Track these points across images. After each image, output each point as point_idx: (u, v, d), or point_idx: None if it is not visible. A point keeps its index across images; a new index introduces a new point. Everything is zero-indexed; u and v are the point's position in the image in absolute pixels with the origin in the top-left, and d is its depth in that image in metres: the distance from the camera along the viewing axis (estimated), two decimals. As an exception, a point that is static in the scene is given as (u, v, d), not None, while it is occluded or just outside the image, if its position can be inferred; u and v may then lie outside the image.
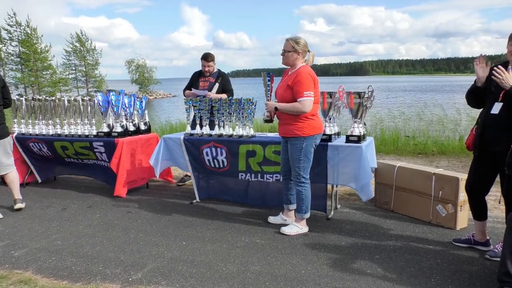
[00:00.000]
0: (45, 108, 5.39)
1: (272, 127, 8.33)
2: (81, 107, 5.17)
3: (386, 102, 21.84)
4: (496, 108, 2.82)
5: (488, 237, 3.18)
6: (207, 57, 5.16)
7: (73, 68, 44.43)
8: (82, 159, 5.18)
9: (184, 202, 4.66)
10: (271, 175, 4.15)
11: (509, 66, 2.81)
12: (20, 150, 5.41)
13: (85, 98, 5.29)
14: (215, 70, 5.28)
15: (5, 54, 37.30)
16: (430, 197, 3.78)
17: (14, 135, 5.35)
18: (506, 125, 2.77)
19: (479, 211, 3.12)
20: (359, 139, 3.79)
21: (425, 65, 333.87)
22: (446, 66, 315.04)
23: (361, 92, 3.77)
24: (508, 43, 2.78)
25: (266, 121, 3.66)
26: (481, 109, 3.03)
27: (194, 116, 4.59)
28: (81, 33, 44.45)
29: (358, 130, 3.84)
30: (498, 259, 2.61)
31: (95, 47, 44.83)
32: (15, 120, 5.51)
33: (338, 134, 4.15)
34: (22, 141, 5.34)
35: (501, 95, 2.80)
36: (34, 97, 5.54)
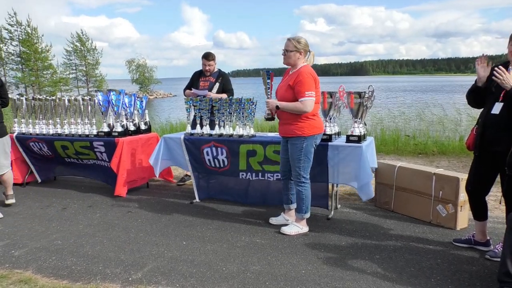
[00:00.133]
0: (45, 108, 5.38)
1: (272, 127, 8.33)
2: (82, 106, 5.18)
3: (386, 102, 21.83)
4: (497, 108, 2.81)
5: (488, 237, 3.18)
6: (208, 56, 5.16)
7: (74, 68, 44.46)
8: (82, 159, 5.18)
9: (184, 201, 4.66)
10: (272, 174, 4.16)
11: (510, 67, 2.81)
12: (20, 149, 5.42)
13: (86, 97, 5.29)
14: (216, 69, 5.28)
15: (6, 53, 37.35)
16: (430, 197, 3.77)
17: (15, 134, 5.36)
18: (506, 125, 2.76)
19: (480, 211, 3.12)
20: (360, 139, 3.79)
21: (425, 65, 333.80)
22: (446, 66, 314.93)
23: (362, 92, 3.77)
24: (508, 43, 2.78)
25: (267, 119, 3.63)
26: (482, 109, 3.03)
27: (195, 116, 4.59)
28: (82, 32, 44.58)
29: (358, 130, 3.84)
30: (499, 259, 2.60)
31: (95, 46, 44.90)
32: (16, 119, 5.51)
33: (339, 134, 4.15)
34: (23, 140, 5.34)
35: (501, 95, 2.80)
36: (35, 96, 5.55)
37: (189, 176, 4.97)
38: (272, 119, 3.61)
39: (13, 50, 37.72)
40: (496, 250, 2.98)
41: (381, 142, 7.40)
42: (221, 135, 4.35)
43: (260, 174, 4.21)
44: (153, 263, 3.05)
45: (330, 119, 4.00)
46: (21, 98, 5.52)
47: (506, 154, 2.67)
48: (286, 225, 3.69)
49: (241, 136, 4.24)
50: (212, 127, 4.53)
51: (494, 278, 2.62)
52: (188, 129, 4.56)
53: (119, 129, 4.89)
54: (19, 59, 37.88)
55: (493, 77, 2.75)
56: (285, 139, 3.61)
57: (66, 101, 5.29)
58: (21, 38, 37.28)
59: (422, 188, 3.84)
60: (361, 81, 74.50)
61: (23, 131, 5.42)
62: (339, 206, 4.35)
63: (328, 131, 3.90)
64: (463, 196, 3.51)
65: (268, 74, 3.64)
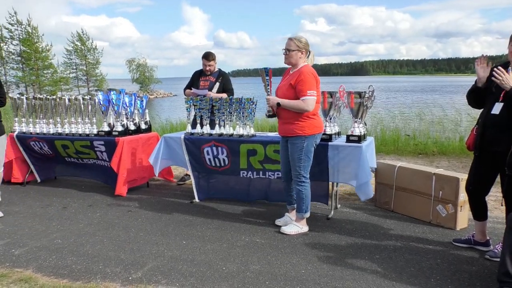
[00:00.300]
0: (45, 107, 5.39)
1: (272, 127, 8.33)
2: (82, 106, 5.18)
3: (387, 103, 21.84)
4: (497, 108, 2.82)
5: (488, 238, 3.18)
6: (208, 56, 5.16)
7: (74, 67, 44.48)
8: (83, 158, 5.18)
9: (184, 201, 4.66)
10: (273, 172, 4.17)
11: (510, 67, 2.81)
12: (21, 148, 5.42)
13: (86, 97, 5.29)
14: (216, 69, 5.28)
15: (6, 53, 37.38)
16: (430, 197, 3.78)
17: (15, 133, 5.36)
18: (506, 125, 2.77)
19: (479, 211, 3.12)
20: (360, 139, 3.79)
21: (425, 65, 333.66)
22: (447, 66, 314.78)
23: (362, 92, 3.77)
24: (509, 44, 2.79)
25: (269, 116, 3.60)
26: (482, 110, 3.03)
27: (195, 116, 4.59)
28: (82, 32, 44.51)
29: (358, 130, 3.85)
30: (498, 259, 2.60)
31: (96, 46, 44.93)
32: (16, 119, 5.52)
33: (339, 134, 4.15)
34: (23, 140, 5.34)
35: (501, 95, 2.80)
36: (35, 96, 5.55)
37: (189, 175, 4.98)
38: (274, 115, 3.58)
39: (14, 49, 37.83)
40: (496, 250, 2.99)
41: (381, 142, 7.40)
42: (221, 134, 4.35)
43: (261, 172, 4.23)
44: (153, 263, 3.05)
45: (330, 119, 4.00)
46: (22, 97, 5.52)
47: (506, 154, 2.67)
48: (286, 224, 3.69)
49: (241, 135, 4.24)
50: (212, 126, 4.53)
51: (494, 278, 2.62)
52: (188, 128, 4.56)
53: (120, 128, 4.89)
54: (19, 58, 37.91)
55: (493, 78, 2.75)
56: (284, 138, 3.61)
57: (67, 100, 5.29)
58: (21, 37, 37.31)
59: (422, 188, 3.84)
60: (362, 81, 74.50)
61: (24, 131, 5.42)
62: (339, 206, 4.36)
63: (328, 131, 3.91)
64: (463, 196, 3.51)
65: (267, 71, 3.64)
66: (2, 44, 36.62)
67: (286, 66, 3.58)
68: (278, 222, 3.82)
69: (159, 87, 54.84)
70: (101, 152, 4.94)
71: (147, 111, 5.30)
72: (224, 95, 4.92)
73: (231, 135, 4.30)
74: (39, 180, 5.57)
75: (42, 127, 5.37)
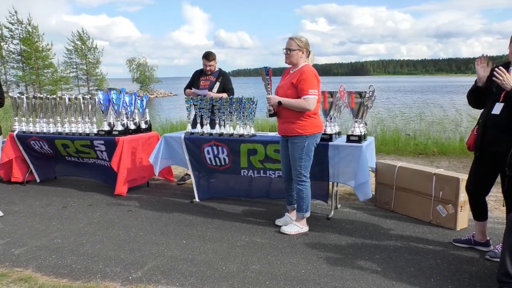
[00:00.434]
0: (46, 106, 5.38)
1: (272, 126, 8.33)
2: (82, 105, 5.17)
3: (387, 103, 21.84)
4: (497, 108, 2.82)
5: (488, 238, 3.18)
6: (208, 56, 5.16)
7: (74, 67, 44.49)
8: (83, 157, 5.18)
9: (185, 201, 4.66)
10: (274, 171, 4.17)
11: (510, 67, 2.81)
12: (21, 148, 5.41)
13: (86, 96, 5.29)
14: (216, 69, 5.28)
15: (7, 52, 37.39)
16: (430, 197, 3.77)
17: (15, 133, 5.36)
18: (507, 125, 2.77)
19: (480, 211, 3.12)
20: (360, 138, 3.79)
21: (426, 65, 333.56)
22: (447, 66, 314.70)
23: (362, 91, 3.77)
24: (510, 44, 2.78)
25: (270, 115, 3.58)
26: (482, 110, 3.03)
27: (195, 115, 4.58)
28: (82, 31, 44.52)
29: (359, 129, 3.84)
30: (498, 259, 2.60)
31: (96, 45, 44.94)
32: (16, 118, 5.51)
33: (339, 133, 4.15)
34: (23, 139, 5.34)
35: (502, 95, 2.80)
36: (35, 95, 5.55)
37: (189, 175, 4.97)
38: (275, 114, 3.57)
39: (14, 48, 37.85)
40: (496, 251, 2.99)
41: (381, 142, 7.40)
42: (221, 134, 4.35)
43: (261, 171, 4.23)
44: (153, 262, 3.05)
45: (331, 118, 4.00)
46: (22, 96, 5.52)
47: (506, 154, 2.67)
48: (286, 224, 3.69)
49: (241, 135, 4.24)
50: (212, 126, 4.53)
51: (494, 279, 2.62)
52: (189, 128, 4.56)
53: (120, 128, 4.89)
54: (19, 57, 37.92)
55: (493, 78, 2.75)
56: (285, 138, 3.61)
57: (67, 99, 5.28)
58: (21, 36, 37.31)
59: (422, 188, 3.84)
60: (362, 81, 74.49)
61: (24, 130, 5.42)
62: (339, 206, 4.35)
63: (329, 131, 3.91)
64: (463, 196, 3.51)
65: (267, 70, 3.64)
66: (2, 43, 36.64)
67: (286, 65, 3.58)
68: (278, 222, 3.82)
69: (159, 86, 54.85)
70: (101, 151, 4.94)
71: (147, 110, 5.30)
72: (225, 95, 4.92)
73: (232, 134, 4.30)
74: (38, 180, 5.56)
75: (42, 126, 5.36)
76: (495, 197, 4.33)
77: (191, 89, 5.18)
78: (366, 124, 4.13)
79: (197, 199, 4.65)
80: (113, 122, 4.99)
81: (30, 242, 3.48)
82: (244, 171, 4.30)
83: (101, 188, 5.17)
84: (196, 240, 3.49)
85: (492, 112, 2.84)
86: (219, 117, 4.41)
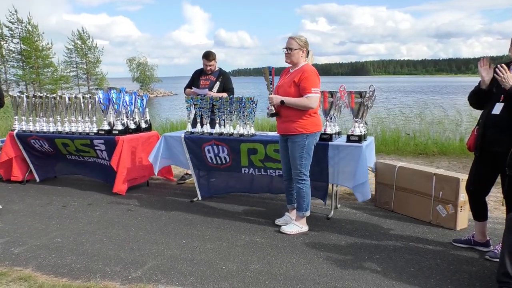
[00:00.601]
0: (46, 106, 5.38)
1: (272, 126, 8.32)
2: (82, 104, 5.17)
3: (387, 103, 21.83)
4: (498, 108, 2.81)
5: (488, 238, 3.18)
6: (208, 56, 5.15)
7: (74, 66, 44.53)
8: (83, 156, 5.18)
9: (185, 200, 4.66)
10: (274, 170, 4.18)
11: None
12: (21, 147, 5.41)
13: (86, 95, 5.29)
14: (216, 68, 5.28)
15: (7, 51, 37.41)
16: (430, 198, 3.77)
17: (15, 132, 5.36)
18: (507, 125, 2.76)
19: (479, 211, 3.12)
20: (360, 138, 3.79)
21: (426, 65, 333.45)
22: (447, 66, 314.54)
23: (362, 91, 3.77)
24: (510, 46, 2.79)
25: (272, 115, 3.56)
26: (483, 110, 3.03)
27: (195, 115, 4.58)
28: (83, 30, 44.54)
29: (359, 129, 3.84)
30: (498, 259, 2.60)
31: (96, 44, 44.95)
32: (16, 117, 5.51)
33: (339, 133, 4.15)
34: (23, 138, 5.34)
35: (502, 96, 2.79)
36: (35, 94, 5.54)
37: (189, 174, 4.98)
38: (277, 114, 3.55)
39: (14, 47, 37.88)
40: (496, 251, 2.98)
41: (381, 142, 7.40)
42: (221, 134, 4.35)
43: (262, 170, 4.25)
44: (153, 262, 3.05)
45: (331, 118, 3.99)
46: (22, 95, 5.52)
47: (506, 154, 2.67)
48: (286, 224, 3.69)
49: (241, 135, 4.24)
50: (212, 125, 4.53)
51: (493, 279, 2.62)
52: (189, 127, 4.56)
53: (120, 127, 4.89)
54: (19, 56, 37.94)
55: (494, 74, 2.75)
56: (284, 137, 3.60)
57: (67, 99, 5.28)
58: (22, 35, 37.32)
59: (422, 188, 3.84)
60: (362, 81, 74.46)
61: (24, 129, 5.42)
62: (339, 205, 4.35)
63: (329, 131, 3.90)
64: (463, 196, 3.51)
65: (270, 69, 3.64)
66: (2, 43, 36.64)
67: (287, 65, 3.58)
68: (278, 221, 3.82)
69: (159, 86, 54.86)
70: (101, 151, 4.94)
71: (147, 110, 5.30)
72: (225, 95, 4.91)
73: (231, 134, 4.30)
74: (38, 180, 5.55)
75: (42, 125, 5.36)
76: (495, 197, 4.32)
77: (191, 88, 5.18)
78: (366, 124, 4.13)
79: (199, 198, 4.65)
80: (113, 122, 4.99)
81: (29, 241, 3.47)
82: (245, 169, 4.31)
83: (101, 188, 5.17)
84: (196, 239, 3.49)
85: (492, 112, 2.84)
86: (219, 116, 4.41)
